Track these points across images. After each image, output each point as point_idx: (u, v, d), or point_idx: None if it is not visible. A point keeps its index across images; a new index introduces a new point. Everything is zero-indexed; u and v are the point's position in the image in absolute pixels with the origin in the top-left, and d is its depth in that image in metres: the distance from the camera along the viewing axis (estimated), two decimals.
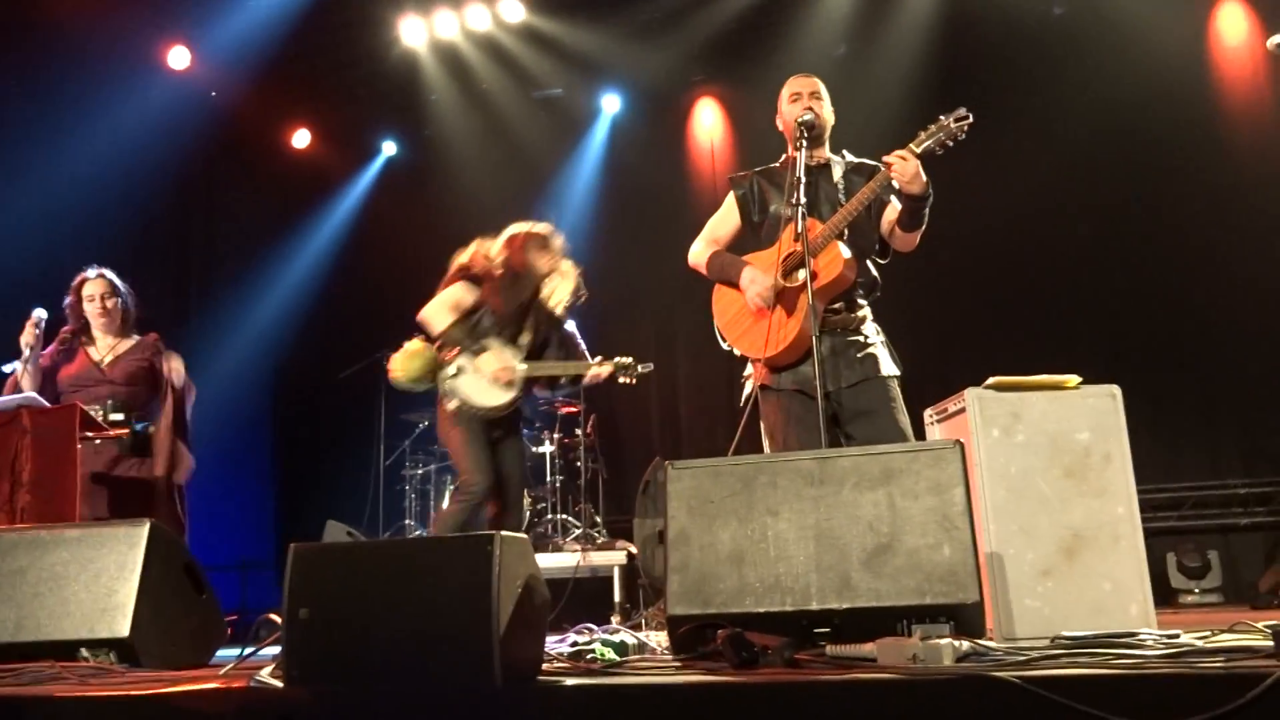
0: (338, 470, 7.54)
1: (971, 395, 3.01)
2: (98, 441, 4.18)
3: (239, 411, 7.48)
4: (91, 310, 4.46)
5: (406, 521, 6.59)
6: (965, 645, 2.14)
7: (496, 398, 4.41)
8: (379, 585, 2.19)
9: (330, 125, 8.62)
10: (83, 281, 4.50)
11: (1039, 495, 2.92)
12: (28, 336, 4.25)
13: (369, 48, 7.88)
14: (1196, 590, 5.67)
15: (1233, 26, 6.70)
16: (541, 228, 4.69)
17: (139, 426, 4.33)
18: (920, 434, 3.38)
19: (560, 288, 4.51)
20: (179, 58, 7.51)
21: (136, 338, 4.56)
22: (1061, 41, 6.99)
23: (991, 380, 3.05)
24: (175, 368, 4.42)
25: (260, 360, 7.81)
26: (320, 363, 7.55)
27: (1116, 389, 3.08)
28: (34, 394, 4.10)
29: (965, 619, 2.26)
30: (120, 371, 4.42)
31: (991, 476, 2.89)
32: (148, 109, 7.04)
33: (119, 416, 4.30)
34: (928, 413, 3.40)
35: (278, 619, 4.50)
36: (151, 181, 7.12)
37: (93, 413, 4.18)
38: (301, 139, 8.61)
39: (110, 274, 4.55)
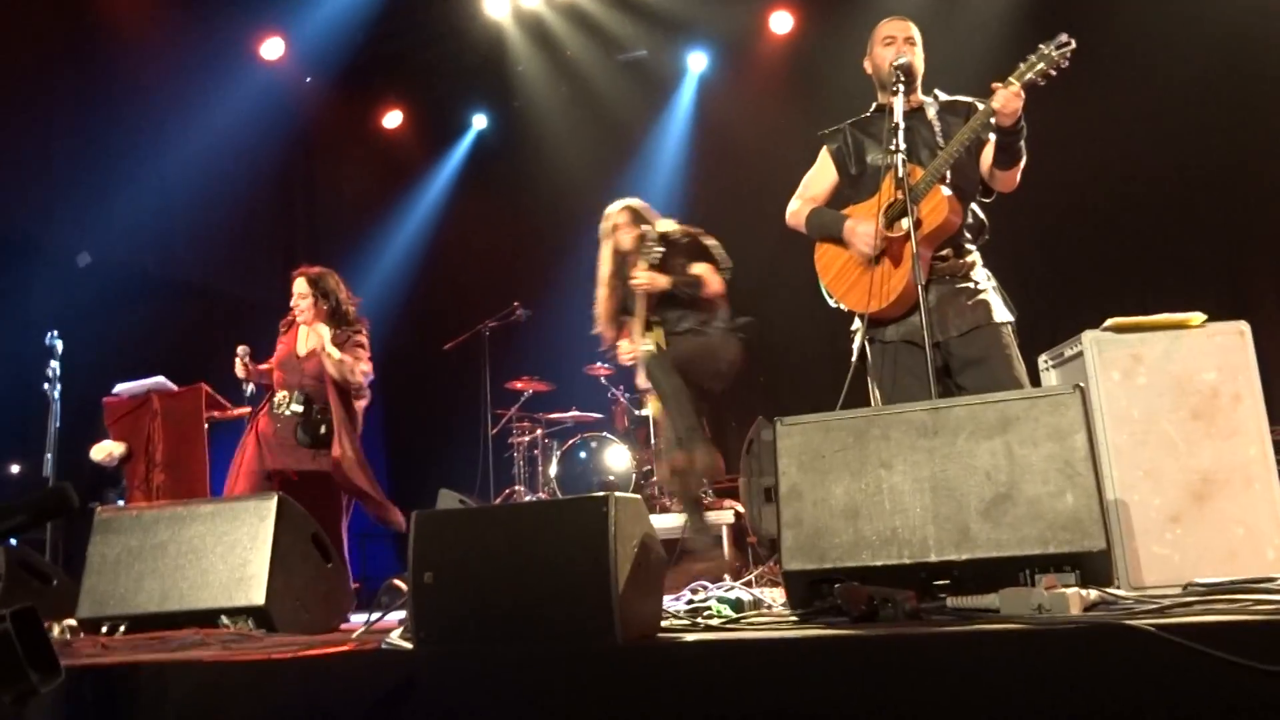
0: (447, 440, 7.72)
1: (1089, 338, 2.92)
2: (278, 427, 4.36)
3: None
4: (294, 306, 4.66)
5: (516, 487, 6.72)
6: (1093, 594, 2.08)
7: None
8: (499, 548, 2.24)
9: (421, 103, 8.74)
10: (290, 280, 4.70)
11: (1164, 439, 2.82)
12: (240, 370, 4.46)
13: (453, 23, 7.94)
14: None
15: None
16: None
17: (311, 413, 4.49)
18: (1036, 380, 3.28)
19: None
20: (273, 48, 7.71)
21: (336, 330, 4.65)
22: None
23: (1110, 322, 2.94)
24: (331, 355, 4.54)
25: (369, 337, 8.02)
26: (425, 336, 7.72)
27: (1245, 325, 2.94)
28: (162, 378, 4.30)
29: (1091, 568, 2.20)
30: (313, 364, 4.57)
31: (1113, 421, 2.81)
32: (246, 100, 7.26)
33: (299, 408, 4.47)
34: (1043, 358, 3.31)
35: (401, 584, 4.67)
36: (254, 170, 7.37)
37: (279, 399, 4.38)
38: (394, 119, 8.76)
39: (310, 272, 4.71)
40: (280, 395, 4.48)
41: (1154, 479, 2.79)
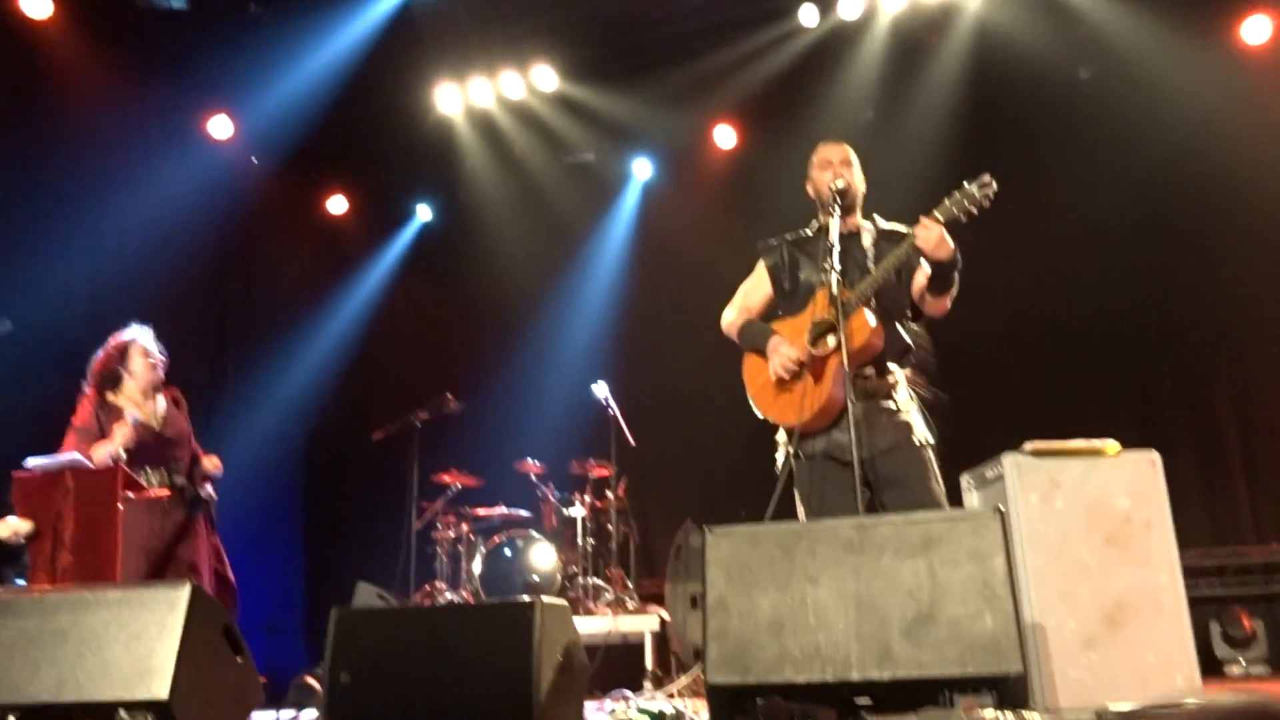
0: (368, 532, 7.55)
1: (1009, 461, 3.01)
2: (162, 507, 4.24)
3: (271, 472, 7.54)
4: (140, 367, 4.45)
5: (438, 583, 6.57)
6: (1009, 717, 2.11)
7: None
8: (420, 650, 2.20)
9: (366, 191, 8.79)
10: (132, 341, 4.51)
11: (1080, 563, 2.89)
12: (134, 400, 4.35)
13: (405, 116, 8.06)
14: (1242, 661, 5.54)
15: (1262, 80, 6.73)
16: None
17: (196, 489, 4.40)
18: (956, 501, 3.35)
19: None
20: (221, 127, 7.73)
21: (166, 396, 4.58)
22: (1088, 104, 7.04)
23: (1029, 446, 3.04)
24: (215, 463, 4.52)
25: (293, 422, 7.88)
26: (353, 425, 7.61)
27: (1156, 455, 3.06)
28: (77, 454, 4.16)
29: (1009, 690, 2.23)
30: (172, 432, 4.46)
31: (1031, 543, 2.88)
32: (189, 175, 7.23)
33: (182, 480, 4.36)
34: (965, 478, 3.39)
35: (313, 682, 4.52)
36: (192, 246, 7.29)
37: (155, 476, 4.25)
38: (338, 204, 8.78)
39: (148, 330, 4.60)
40: (150, 474, 4.34)
41: (1069, 602, 2.85)
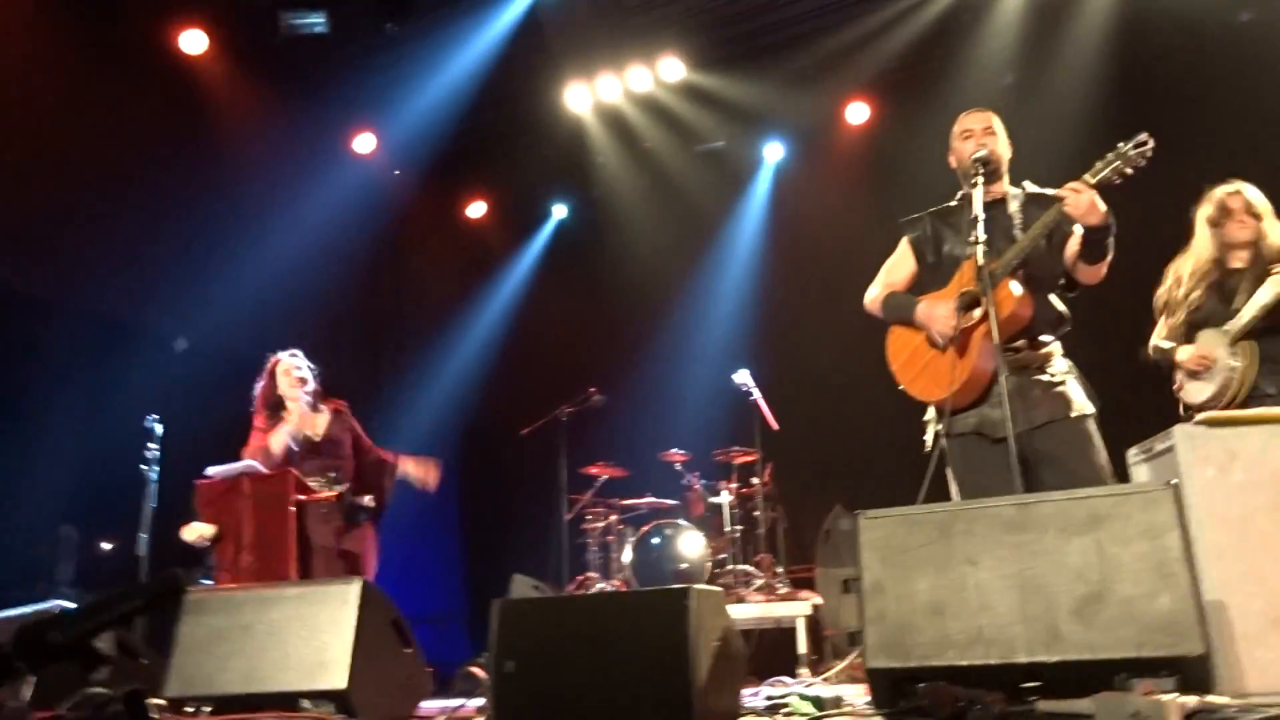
0: (521, 525, 7.76)
1: (1180, 432, 2.85)
2: (324, 510, 4.48)
3: None
4: (286, 386, 4.75)
5: (590, 574, 6.70)
6: (1193, 701, 2.01)
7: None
8: (579, 639, 2.25)
9: (503, 194, 9.02)
10: (277, 362, 4.82)
11: (1264, 538, 2.71)
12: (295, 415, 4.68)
13: (536, 117, 8.22)
14: None
15: None
16: None
17: (356, 498, 4.64)
18: (1123, 476, 3.20)
19: None
20: (365, 143, 8.08)
21: (327, 409, 4.85)
22: (1252, 48, 6.56)
23: (1202, 415, 2.87)
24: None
25: (447, 422, 8.17)
26: (503, 422, 7.83)
27: None
28: (253, 463, 4.43)
29: (1190, 673, 2.12)
30: (330, 443, 4.71)
31: (1209, 519, 2.71)
32: (339, 192, 7.61)
33: (342, 487, 4.60)
34: (1132, 451, 3.23)
35: (477, 671, 4.69)
36: (345, 259, 7.68)
37: (315, 483, 4.50)
38: (477, 209, 9.06)
39: (299, 353, 4.89)
40: (313, 481, 4.57)
41: (1254, 579, 2.68)
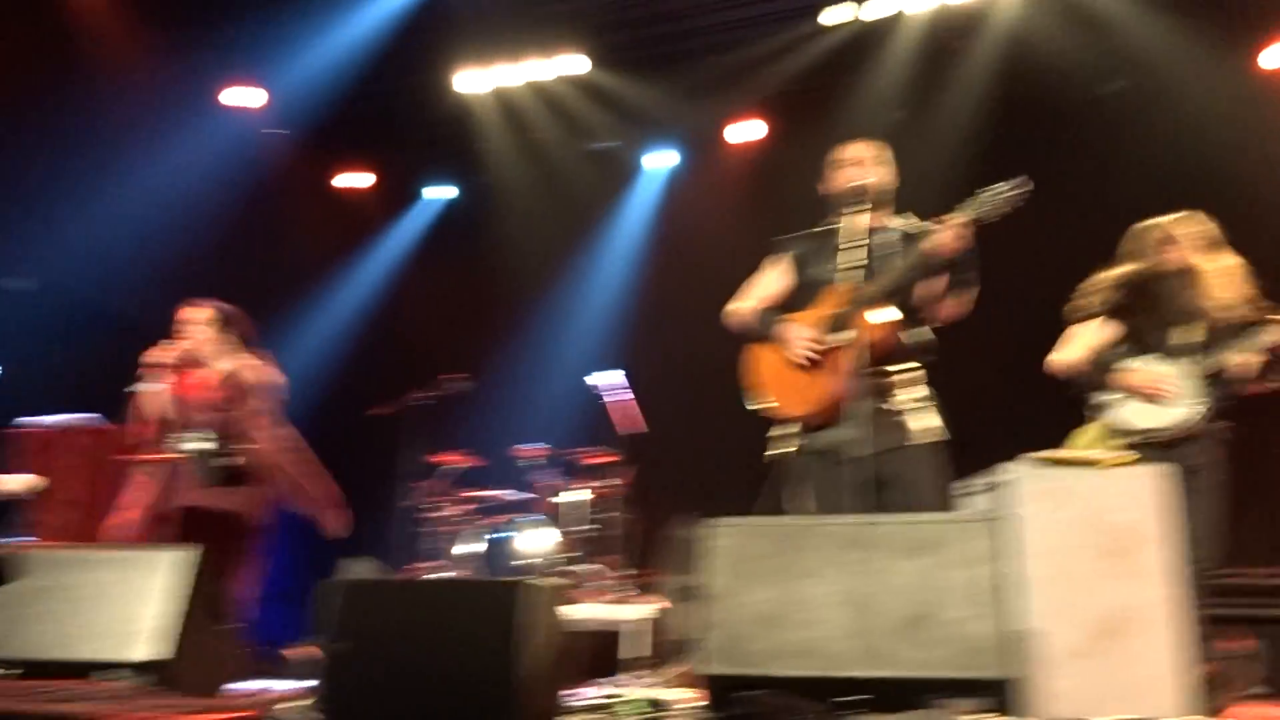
0: (370, 508, 7.53)
1: (1018, 468, 2.99)
2: (183, 468, 4.26)
3: None
4: (190, 336, 4.50)
5: (433, 563, 6.58)
6: None
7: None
8: (411, 624, 2.21)
9: (387, 167, 8.80)
10: (182, 310, 4.56)
11: (1079, 573, 2.88)
12: (160, 357, 4.35)
13: (430, 94, 8.05)
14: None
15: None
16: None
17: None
18: (961, 504, 3.34)
19: None
20: (245, 97, 7.75)
21: (242, 360, 4.58)
22: (1114, 114, 7.00)
23: (1041, 454, 3.03)
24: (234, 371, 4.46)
25: (301, 395, 7.89)
26: (360, 400, 7.61)
27: (1168, 468, 3.04)
28: (88, 415, 4.19)
29: (1001, 696, 2.23)
30: (221, 397, 4.47)
31: (1032, 551, 2.86)
32: (210, 145, 7.28)
33: (210, 445, 4.35)
34: (971, 483, 3.38)
35: (308, 651, 4.53)
36: (208, 215, 7.31)
37: (191, 440, 4.25)
38: (358, 179, 8.81)
39: (210, 302, 4.62)
40: (185, 433, 4.35)
41: (1065, 612, 2.84)
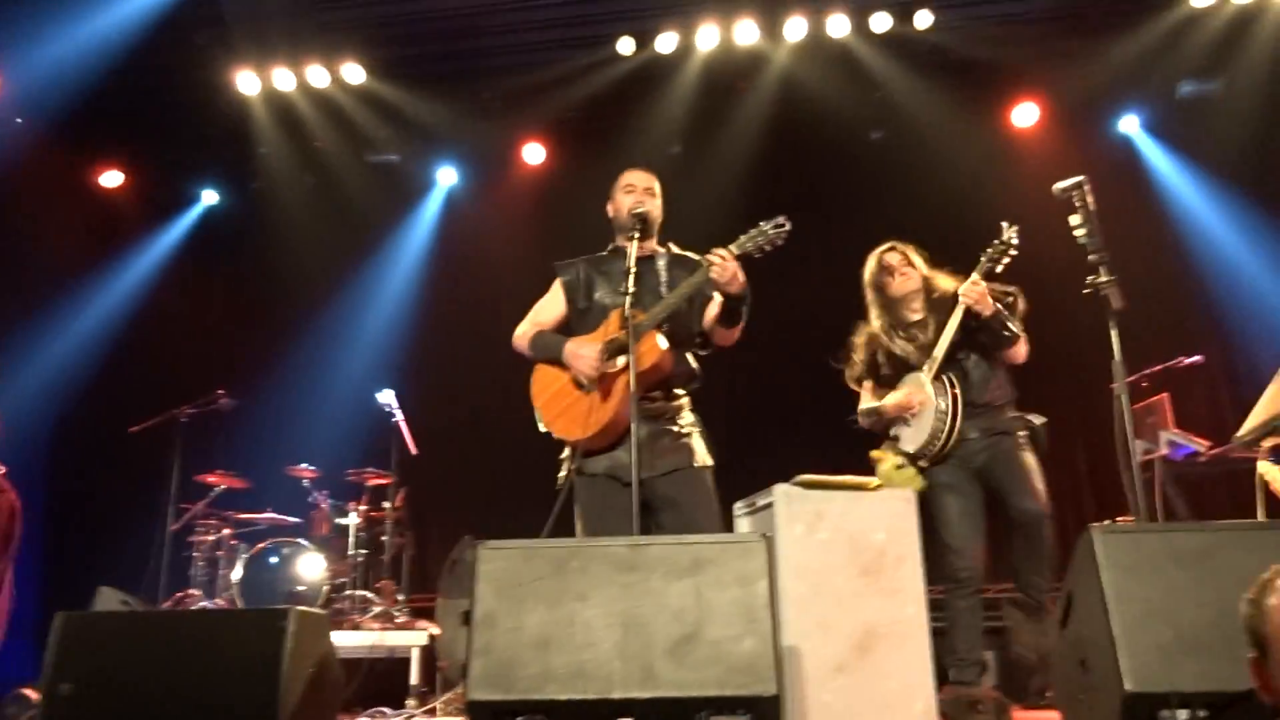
0: (119, 533, 6.96)
1: (779, 491, 3.12)
2: None
3: (6, 460, 6.87)
4: None
5: (192, 591, 6.15)
6: None
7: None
8: (158, 660, 2.04)
9: (146, 167, 8.19)
10: None
11: (837, 592, 3.04)
12: None
13: (197, 92, 7.58)
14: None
15: (1027, 155, 7.40)
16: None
17: None
18: (729, 526, 3.46)
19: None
20: None
21: None
22: (879, 159, 7.52)
23: (799, 478, 3.17)
24: None
25: (39, 407, 7.19)
26: (110, 415, 7.03)
27: (911, 492, 3.27)
28: None
29: (763, 712, 2.30)
30: None
31: (794, 571, 2.99)
32: None
33: None
34: (737, 505, 3.50)
35: (29, 694, 4.11)
36: None
37: None
38: (113, 179, 8.15)
39: None
40: None
41: (825, 629, 2.98)
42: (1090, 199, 3.36)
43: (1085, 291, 3.32)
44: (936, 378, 3.90)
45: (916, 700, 2.99)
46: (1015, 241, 3.94)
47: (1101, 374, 3.88)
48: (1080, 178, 3.38)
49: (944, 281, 4.11)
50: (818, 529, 3.09)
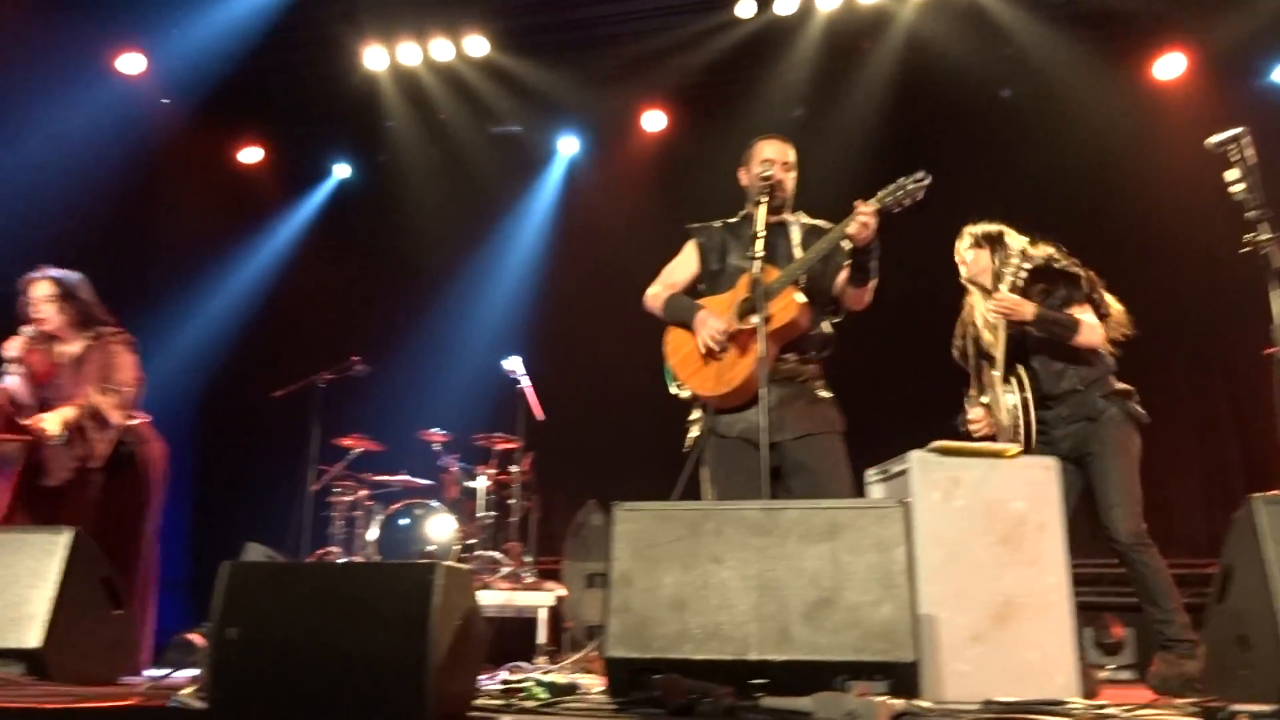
0: (263, 493, 7.33)
1: (914, 458, 3.06)
2: (51, 451, 4.07)
3: (160, 425, 7.30)
4: (35, 314, 4.29)
5: (331, 548, 6.43)
6: (900, 704, 2.15)
7: None
8: (312, 610, 2.13)
9: (283, 143, 8.52)
10: (26, 284, 4.33)
11: (974, 560, 2.96)
12: (13, 349, 4.18)
13: (329, 69, 7.83)
14: (1111, 666, 5.77)
15: (1171, 112, 7.00)
16: None
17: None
18: (861, 493, 3.41)
19: None
20: (131, 63, 7.39)
21: (91, 337, 4.37)
22: (1010, 118, 7.23)
23: (934, 444, 3.10)
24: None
25: (189, 374, 7.60)
26: (254, 382, 7.37)
27: (1052, 460, 3.16)
28: None
29: (900, 678, 2.28)
30: (71, 381, 4.25)
31: (930, 539, 2.93)
32: (93, 111, 6.89)
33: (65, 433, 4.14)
34: (869, 472, 3.45)
35: (195, 639, 4.37)
36: (91, 185, 6.94)
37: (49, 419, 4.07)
38: (252, 154, 8.51)
39: (55, 273, 4.38)
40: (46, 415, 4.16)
41: (961, 598, 2.92)
42: (1250, 152, 3.17)
43: (1242, 251, 3.14)
44: (1005, 378, 3.79)
45: (1057, 673, 2.91)
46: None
47: (1256, 338, 3.68)
48: (1239, 129, 3.18)
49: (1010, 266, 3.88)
50: (954, 496, 3.02)
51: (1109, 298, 3.92)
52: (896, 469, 3.22)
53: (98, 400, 4.20)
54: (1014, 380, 3.77)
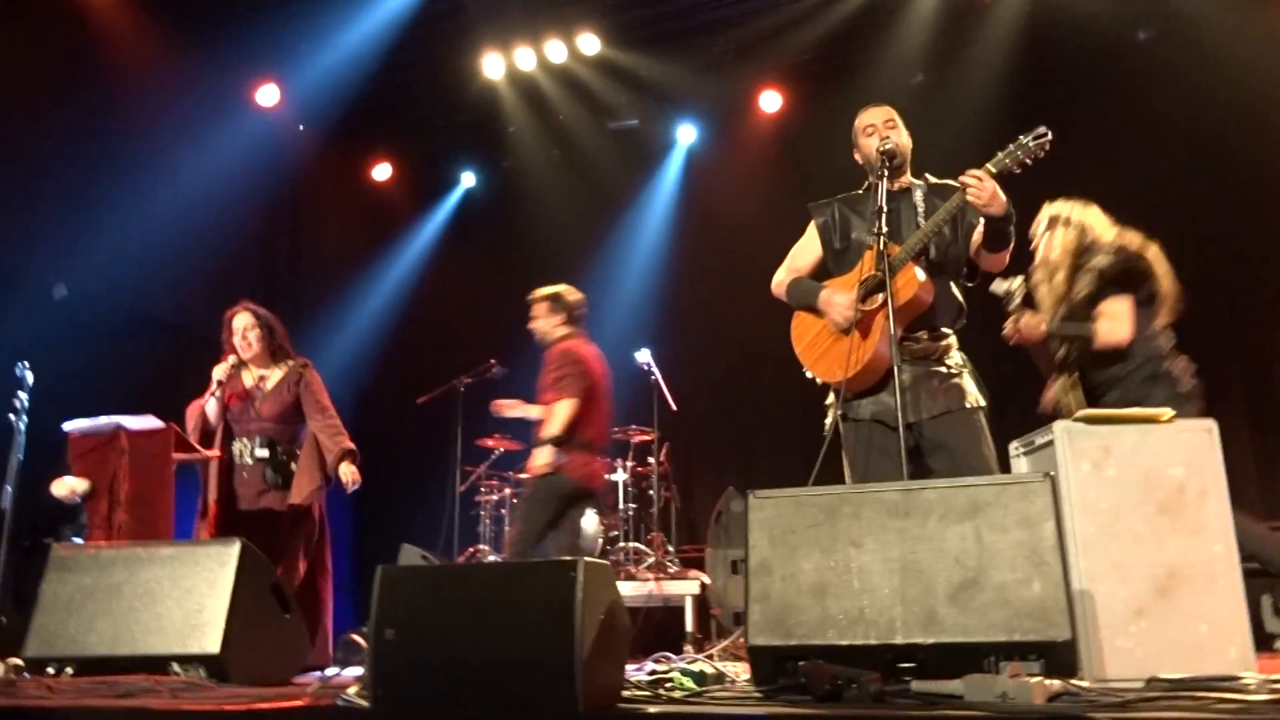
0: (413, 496, 7.64)
1: (1060, 428, 2.94)
2: (244, 475, 4.37)
3: None
4: (238, 344, 4.58)
5: (481, 546, 6.64)
6: (1056, 684, 2.08)
7: None
8: (464, 609, 2.21)
9: (411, 158, 8.84)
10: (230, 316, 4.64)
11: (1132, 532, 2.83)
12: (220, 372, 4.48)
13: (449, 82, 8.07)
14: None
15: None
16: None
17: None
18: (1005, 467, 3.30)
19: None
20: (268, 95, 7.79)
21: (287, 366, 4.66)
22: (1145, 67, 6.85)
23: (1081, 412, 2.98)
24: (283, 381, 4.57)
25: (342, 387, 7.96)
26: (399, 389, 7.69)
27: (1212, 423, 2.98)
28: (126, 418, 4.24)
29: (1056, 657, 2.20)
30: (270, 407, 4.53)
31: (1081, 512, 2.81)
32: (237, 144, 7.31)
33: (264, 453, 4.44)
34: (1014, 445, 3.33)
35: (359, 639, 4.60)
36: (240, 214, 7.39)
37: (242, 446, 4.38)
38: (383, 171, 8.85)
39: (253, 306, 4.68)
40: (239, 443, 4.45)
41: (1120, 571, 2.79)
42: None
43: None
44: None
45: (1230, 645, 2.75)
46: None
47: None
48: None
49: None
50: (1105, 465, 2.88)
51: (1164, 277, 3.87)
52: (1041, 440, 3.10)
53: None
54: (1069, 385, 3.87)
